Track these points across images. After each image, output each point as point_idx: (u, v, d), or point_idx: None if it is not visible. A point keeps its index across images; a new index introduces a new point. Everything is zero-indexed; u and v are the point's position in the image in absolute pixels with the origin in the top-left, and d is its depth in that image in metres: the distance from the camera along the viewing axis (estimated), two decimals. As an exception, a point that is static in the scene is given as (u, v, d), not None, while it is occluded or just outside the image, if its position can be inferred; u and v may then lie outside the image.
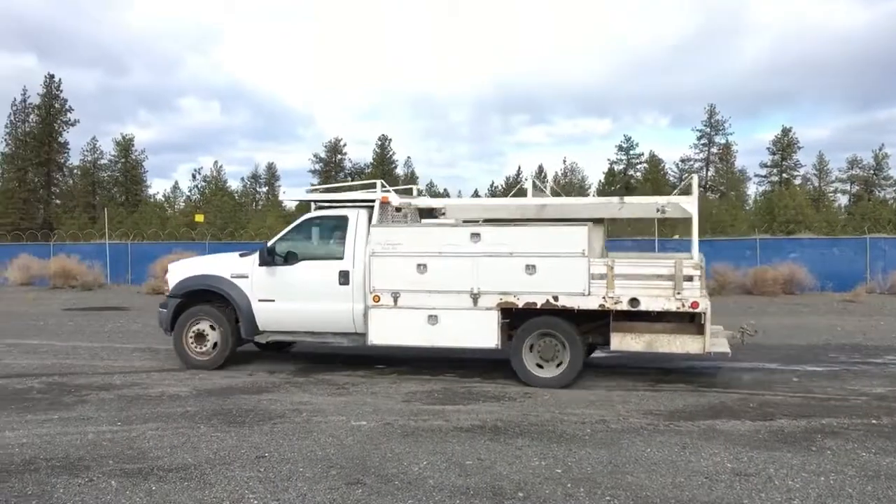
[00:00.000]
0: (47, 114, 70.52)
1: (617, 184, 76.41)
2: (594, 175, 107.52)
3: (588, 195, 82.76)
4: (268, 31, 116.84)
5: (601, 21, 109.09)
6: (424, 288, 9.18)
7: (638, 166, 78.80)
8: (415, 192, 11.77)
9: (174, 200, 78.72)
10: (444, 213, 10.07)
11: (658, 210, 9.39)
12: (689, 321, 8.68)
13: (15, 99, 71.72)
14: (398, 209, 10.25)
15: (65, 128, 72.38)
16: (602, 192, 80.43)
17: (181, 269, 10.72)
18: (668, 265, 8.67)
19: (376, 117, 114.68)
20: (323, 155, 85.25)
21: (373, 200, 9.84)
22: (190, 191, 79.56)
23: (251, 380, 9.30)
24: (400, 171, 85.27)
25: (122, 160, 75.92)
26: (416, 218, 10.48)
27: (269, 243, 10.16)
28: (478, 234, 9.10)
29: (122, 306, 19.99)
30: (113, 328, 14.78)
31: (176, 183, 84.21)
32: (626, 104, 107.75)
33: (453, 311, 9.11)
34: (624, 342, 8.81)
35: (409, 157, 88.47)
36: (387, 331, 9.37)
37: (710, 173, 76.51)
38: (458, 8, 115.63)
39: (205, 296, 10.37)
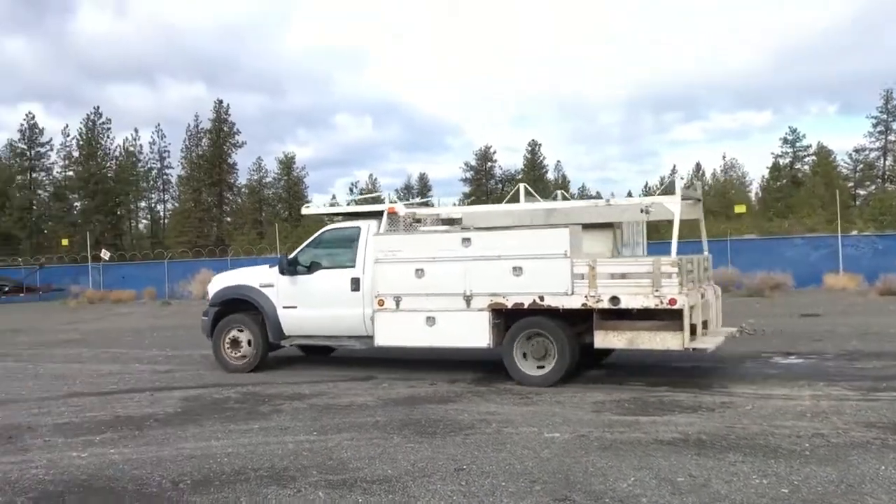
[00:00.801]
0: (217, 137, 75.20)
1: (783, 178, 72.28)
2: (755, 170, 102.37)
3: (749, 191, 78.89)
4: (414, 44, 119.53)
5: (756, 5, 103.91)
6: (423, 291, 9.71)
7: (805, 159, 74.18)
8: (435, 203, 12.72)
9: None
10: (461, 221, 10.95)
11: (642, 210, 9.84)
12: (672, 318, 8.69)
13: (189, 125, 77.16)
14: (416, 220, 10.95)
15: (233, 150, 76.97)
16: (766, 188, 76.33)
17: (220, 281, 11.95)
18: (646, 264, 8.93)
19: (525, 123, 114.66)
20: (473, 163, 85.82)
21: (382, 212, 10.54)
22: (348, 204, 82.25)
23: (433, 389, 9.28)
24: (550, 175, 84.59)
25: (285, 177, 79.75)
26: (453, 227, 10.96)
27: (292, 254, 11.10)
28: (468, 239, 9.57)
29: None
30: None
31: (333, 197, 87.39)
32: (788, 94, 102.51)
33: (449, 313, 9.60)
34: (607, 339, 9.06)
35: (558, 162, 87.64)
36: (391, 333, 9.96)
37: (888, 162, 70.89)
38: (604, 8, 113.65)
39: (240, 304, 11.32)
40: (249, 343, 11.15)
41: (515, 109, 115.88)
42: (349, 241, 10.75)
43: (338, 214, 11.73)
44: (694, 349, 8.87)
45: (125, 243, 68.91)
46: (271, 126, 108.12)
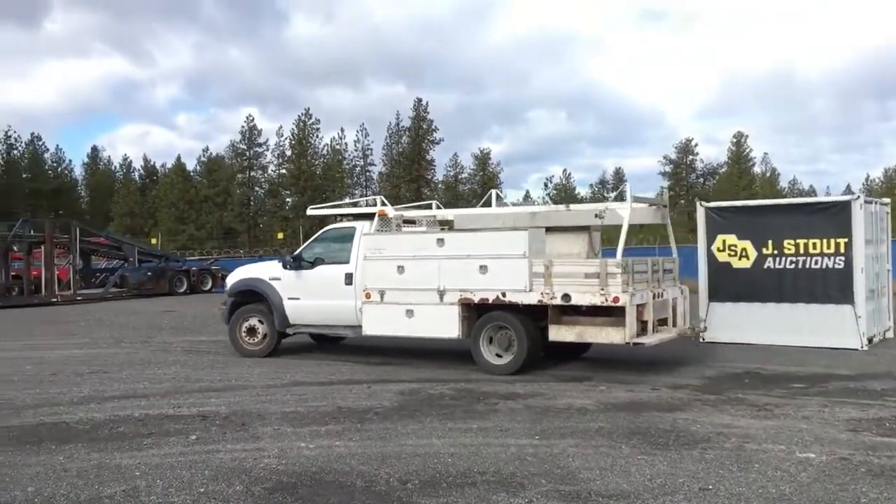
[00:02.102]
0: (416, 134, 77.41)
1: None
2: None
3: None
4: (612, 34, 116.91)
5: None
6: (403, 286, 10.69)
7: None
8: (433, 206, 13.51)
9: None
10: (453, 223, 12.15)
11: (597, 215, 10.74)
12: (617, 315, 9.44)
13: (390, 123, 79.99)
14: (405, 221, 12.19)
15: (431, 146, 78.89)
16: None
17: (237, 274, 13.23)
18: (595, 265, 9.76)
19: (729, 114, 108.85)
20: (673, 156, 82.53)
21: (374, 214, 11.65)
22: (543, 200, 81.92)
23: (655, 395, 8.68)
24: (757, 168, 79.68)
25: (481, 173, 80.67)
26: (436, 227, 12.41)
27: (297, 251, 12.33)
28: (442, 240, 10.58)
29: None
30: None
31: (527, 192, 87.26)
32: None
33: (425, 306, 10.55)
34: (559, 333, 9.92)
35: (765, 154, 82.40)
36: (376, 323, 10.97)
37: None
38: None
39: (252, 296, 12.45)
40: (264, 331, 12.25)
41: (718, 99, 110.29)
42: (346, 240, 11.75)
43: (338, 214, 13.10)
44: (635, 344, 9.56)
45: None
46: (467, 122, 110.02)
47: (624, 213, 10.25)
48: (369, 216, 11.77)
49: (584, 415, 7.68)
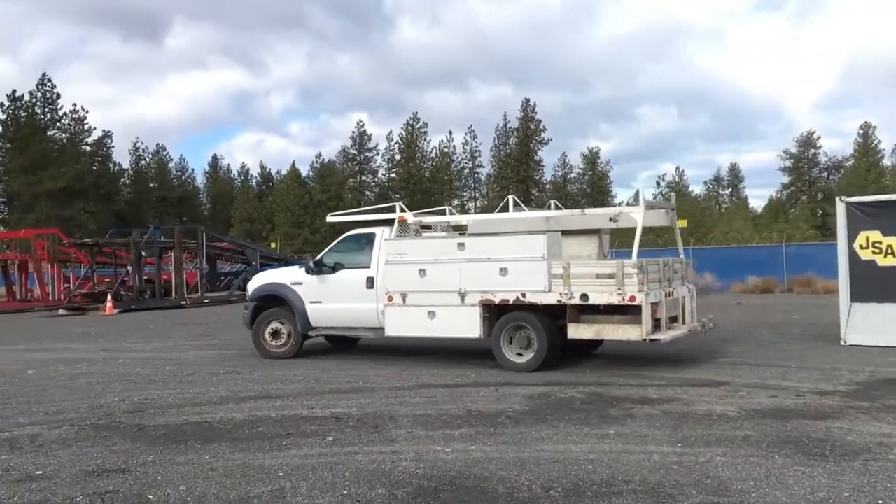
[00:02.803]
0: (524, 135, 77.14)
1: None
2: None
3: None
4: (726, 25, 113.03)
5: None
6: (425, 289, 11.05)
7: None
8: (447, 212, 13.69)
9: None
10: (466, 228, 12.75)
11: (611, 219, 11.34)
12: (634, 313, 9.86)
13: (498, 125, 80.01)
14: (423, 226, 12.55)
15: (539, 147, 78.45)
16: None
17: (258, 279, 13.81)
18: (612, 266, 10.15)
19: (853, 105, 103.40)
20: (794, 150, 78.98)
21: (394, 220, 12.03)
22: (654, 198, 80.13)
23: (802, 402, 8.20)
24: (887, 161, 75.25)
25: (590, 172, 79.55)
26: (454, 233, 12.66)
27: (318, 257, 12.79)
28: (463, 244, 11.01)
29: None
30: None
31: (637, 191, 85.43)
32: None
33: (446, 308, 10.94)
34: (578, 331, 10.31)
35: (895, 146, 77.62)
36: (399, 324, 11.34)
37: None
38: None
39: (274, 300, 12.94)
40: (289, 334, 12.75)
41: (841, 90, 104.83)
42: (366, 245, 12.25)
43: (358, 221, 13.49)
44: (651, 340, 10.00)
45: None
46: (575, 121, 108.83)
47: (638, 217, 10.64)
48: (388, 222, 12.22)
49: (728, 422, 7.33)
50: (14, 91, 66.90)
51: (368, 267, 11.99)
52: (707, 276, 29.34)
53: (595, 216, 11.88)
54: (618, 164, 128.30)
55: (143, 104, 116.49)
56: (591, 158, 79.82)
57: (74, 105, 69.97)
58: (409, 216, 12.23)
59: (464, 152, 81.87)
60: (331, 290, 12.29)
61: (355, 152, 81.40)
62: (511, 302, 10.60)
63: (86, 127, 70.38)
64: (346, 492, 5.45)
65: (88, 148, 70.79)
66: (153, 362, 12.86)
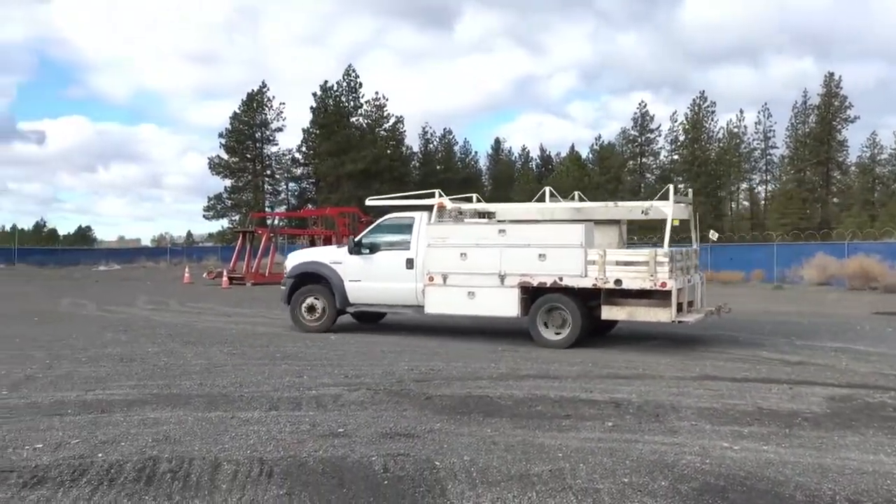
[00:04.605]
0: (826, 113, 70.51)
1: None
2: None
3: None
4: None
5: None
6: (466, 271, 12.06)
7: None
8: (474, 199, 14.10)
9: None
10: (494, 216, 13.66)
11: (643, 212, 12.39)
12: (663, 298, 10.94)
13: (795, 102, 73.97)
14: (460, 212, 13.40)
15: (843, 125, 71.29)
16: None
17: (297, 257, 14.64)
18: (644, 254, 11.20)
19: None
20: None
21: (433, 206, 12.89)
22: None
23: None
24: None
25: (905, 153, 70.75)
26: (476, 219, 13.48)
27: (357, 238, 13.56)
28: (504, 230, 12.00)
29: None
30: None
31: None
32: None
33: (486, 289, 11.92)
34: (611, 313, 11.47)
35: None
36: (439, 303, 12.37)
37: None
38: None
39: (313, 277, 13.79)
40: (323, 309, 13.66)
41: None
42: (405, 229, 13.07)
43: (396, 207, 14.03)
44: (679, 322, 11.11)
45: (725, 225, 69.37)
46: (888, 96, 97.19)
47: (667, 210, 11.57)
48: (427, 207, 13.04)
49: None
50: (325, 81, 73.98)
51: (408, 249, 12.91)
52: None
53: (628, 208, 12.85)
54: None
55: (432, 90, 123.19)
56: (908, 137, 70.88)
57: (376, 93, 75.61)
58: (447, 202, 13.07)
59: (755, 132, 76.74)
60: (371, 269, 13.20)
61: (636, 133, 79.59)
62: (549, 285, 11.64)
63: (385, 114, 75.81)
64: (626, 480, 5.31)
65: (384, 133, 76.25)
66: (436, 334, 13.55)
